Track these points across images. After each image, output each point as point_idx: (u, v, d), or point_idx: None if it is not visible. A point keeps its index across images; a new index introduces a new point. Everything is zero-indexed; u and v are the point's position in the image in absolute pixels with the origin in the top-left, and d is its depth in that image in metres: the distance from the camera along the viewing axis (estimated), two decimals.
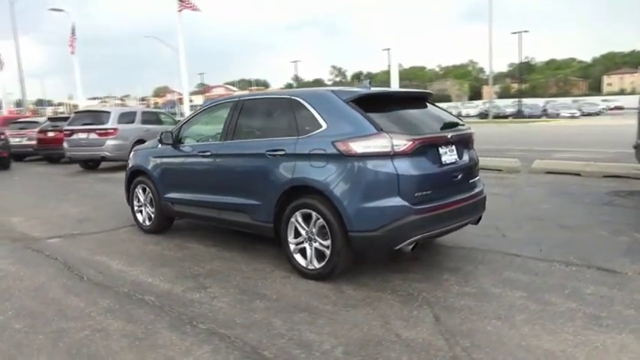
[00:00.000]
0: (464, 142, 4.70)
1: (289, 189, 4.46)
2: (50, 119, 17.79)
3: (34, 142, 16.82)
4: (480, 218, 5.01)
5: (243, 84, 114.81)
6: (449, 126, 4.60)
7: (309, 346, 3.20)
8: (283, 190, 4.48)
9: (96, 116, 13.94)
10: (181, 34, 17.92)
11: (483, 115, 48.64)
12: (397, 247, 4.09)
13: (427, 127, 4.47)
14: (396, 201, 3.96)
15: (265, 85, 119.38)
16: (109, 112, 13.79)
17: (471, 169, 4.70)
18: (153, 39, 52.23)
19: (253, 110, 5.13)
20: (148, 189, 6.16)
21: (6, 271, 4.94)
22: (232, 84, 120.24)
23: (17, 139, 17.46)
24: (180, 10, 16.39)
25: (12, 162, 16.06)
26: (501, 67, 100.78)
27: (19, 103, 62.28)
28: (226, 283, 4.41)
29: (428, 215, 4.10)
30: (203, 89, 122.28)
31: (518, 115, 46.24)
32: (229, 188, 5.07)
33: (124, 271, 4.81)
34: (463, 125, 4.90)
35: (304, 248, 4.45)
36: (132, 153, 6.61)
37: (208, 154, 5.29)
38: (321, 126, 4.33)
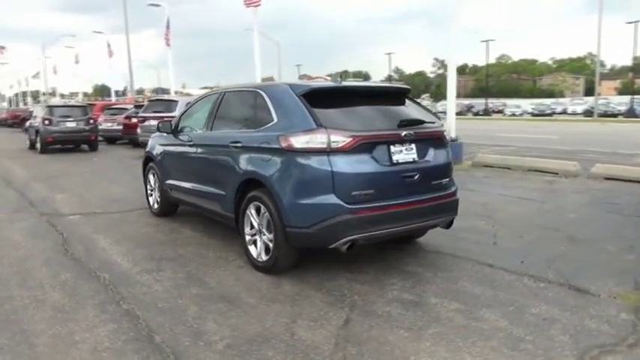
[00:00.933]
0: (429, 141, 4.42)
1: (245, 181, 4.51)
2: (135, 106, 19.33)
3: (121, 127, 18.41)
4: (451, 222, 4.70)
5: (343, 75, 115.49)
6: (410, 123, 4.34)
7: (201, 335, 3.25)
8: (240, 181, 4.55)
9: (166, 105, 14.95)
10: (256, 28, 18.46)
11: (588, 113, 44.42)
12: (331, 247, 3.98)
13: (382, 123, 4.26)
14: (331, 199, 3.85)
15: (366, 76, 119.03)
16: (176, 101, 14.70)
17: (436, 170, 4.41)
18: (253, 31, 54.67)
19: (229, 102, 5.23)
20: (155, 175, 6.54)
21: (12, 240, 5.56)
22: (331, 75, 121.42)
23: (109, 124, 19.26)
24: (247, 6, 16.91)
25: (103, 144, 17.72)
26: (626, 60, 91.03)
27: (139, 91, 68.61)
28: (181, 268, 4.59)
29: (366, 215, 3.93)
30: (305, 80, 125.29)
31: (630, 113, 41.53)
32: (206, 177, 5.25)
33: (105, 250, 5.18)
34: (433, 123, 4.60)
35: (256, 240, 4.49)
36: (149, 139, 7.04)
37: (191, 143, 5.50)
38: (273, 119, 4.32)
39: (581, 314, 3.52)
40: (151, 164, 6.69)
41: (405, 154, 4.19)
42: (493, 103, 61.59)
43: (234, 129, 4.90)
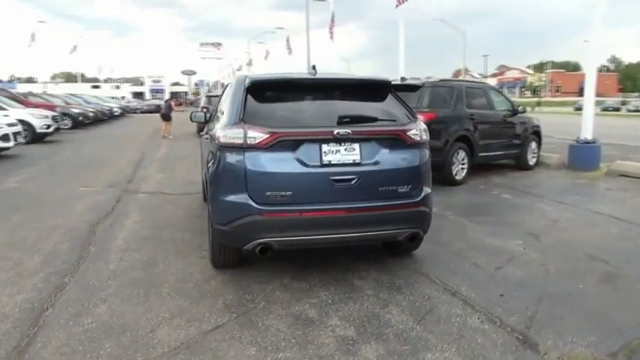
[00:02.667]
0: (383, 141, 3.85)
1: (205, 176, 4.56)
2: None
3: None
4: (413, 237, 4.05)
5: (547, 66, 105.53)
6: (354, 120, 3.84)
7: (80, 315, 3.44)
8: (203, 177, 4.61)
9: None
10: (402, 26, 18.01)
11: None
12: (244, 248, 3.78)
13: (320, 120, 3.86)
14: (243, 198, 3.66)
15: (576, 67, 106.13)
16: None
17: (388, 174, 3.83)
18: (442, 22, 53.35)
19: (223, 95, 5.28)
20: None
21: (68, 210, 6.51)
22: (535, 66, 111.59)
23: None
24: (397, 7, 16.50)
25: None
26: None
27: None
28: (152, 250, 4.84)
29: (278, 219, 3.64)
30: (500, 72, 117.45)
31: None
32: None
33: (125, 227, 5.73)
34: (392, 121, 3.99)
35: None
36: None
37: (203, 133, 5.73)
38: (224, 112, 4.26)
39: None
40: None
41: (342, 155, 3.73)
42: None
43: (216, 122, 4.95)
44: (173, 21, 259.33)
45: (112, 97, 52.29)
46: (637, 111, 50.71)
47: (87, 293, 3.80)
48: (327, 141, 3.72)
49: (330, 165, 3.71)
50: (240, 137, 3.67)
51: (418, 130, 3.99)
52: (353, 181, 3.72)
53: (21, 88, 45.54)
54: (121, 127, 26.01)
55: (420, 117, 7.65)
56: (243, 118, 3.77)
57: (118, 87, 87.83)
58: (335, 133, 3.69)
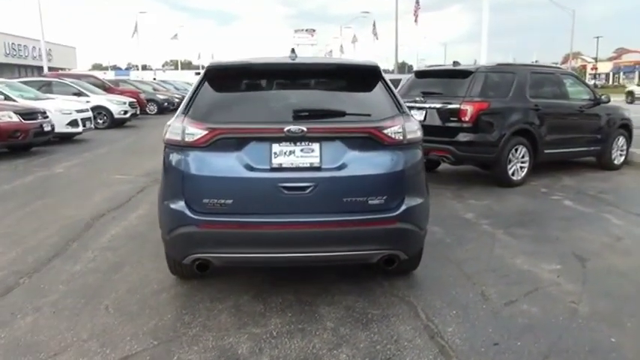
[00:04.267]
0: (351, 141, 3.11)
1: None
2: None
3: None
4: (390, 261, 3.29)
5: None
6: (313, 115, 3.14)
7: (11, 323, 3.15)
8: None
9: None
10: (486, 5, 16.49)
11: None
12: (183, 262, 3.25)
13: (277, 114, 3.20)
14: (180, 205, 3.13)
15: None
16: None
17: (355, 182, 3.08)
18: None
19: None
20: None
21: (92, 196, 6.43)
22: None
23: None
24: None
25: None
26: None
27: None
28: (135, 253, 4.52)
29: (216, 231, 3.07)
30: (617, 54, 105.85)
31: None
32: None
33: (125, 222, 5.49)
34: (367, 116, 3.21)
35: None
36: None
37: None
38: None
39: None
40: None
41: (297, 157, 3.06)
42: None
43: None
44: (274, 9, 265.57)
45: None
46: None
47: (27, 299, 3.52)
48: (278, 140, 3.06)
49: (280, 169, 3.06)
50: (179, 133, 3.14)
51: (401, 127, 3.19)
52: (308, 190, 3.04)
53: (134, 75, 48.79)
54: None
55: (469, 107, 6.77)
56: (188, 110, 3.23)
57: None
58: (286, 130, 3.02)
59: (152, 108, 23.45)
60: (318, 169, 3.07)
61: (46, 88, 15.43)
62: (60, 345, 2.91)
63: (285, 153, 3.06)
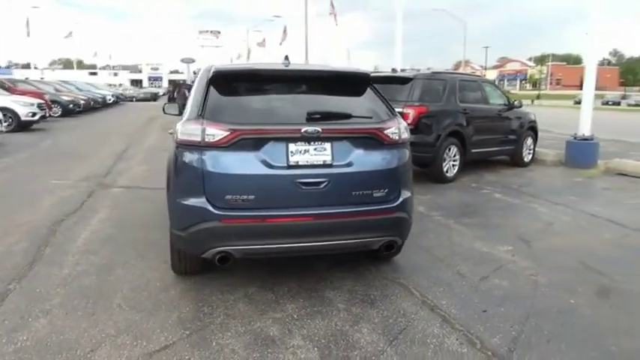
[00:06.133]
0: (356, 140, 3.50)
1: None
2: None
3: None
4: (390, 246, 3.71)
5: (548, 59, 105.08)
6: (324, 117, 3.49)
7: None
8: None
9: None
10: (399, 16, 17.56)
11: None
12: (203, 256, 3.44)
13: (288, 117, 3.50)
14: (201, 202, 3.30)
15: (577, 60, 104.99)
16: None
17: (362, 177, 3.47)
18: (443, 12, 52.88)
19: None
20: None
21: (35, 204, 6.15)
22: (536, 59, 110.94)
23: None
24: None
25: None
26: None
27: None
28: (115, 251, 4.50)
29: (239, 225, 3.29)
30: (500, 63, 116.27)
31: None
32: None
33: (90, 226, 5.38)
34: (368, 118, 3.63)
35: None
36: None
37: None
38: (187, 107, 3.89)
39: None
40: None
41: (311, 156, 3.38)
42: None
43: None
44: (174, 8, 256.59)
45: (109, 85, 51.64)
46: (637, 105, 50.30)
47: (30, 303, 3.46)
48: (294, 140, 3.36)
49: (297, 166, 3.35)
50: (198, 134, 3.31)
51: (397, 128, 3.63)
52: (322, 185, 3.37)
53: (17, 74, 44.70)
54: (113, 115, 25.60)
55: (411, 111, 7.43)
56: (203, 113, 3.41)
57: (115, 74, 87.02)
58: (303, 131, 3.33)
59: (56, 110, 21.90)
60: (330, 165, 3.41)
61: None
62: (91, 342, 2.97)
63: (300, 152, 3.36)
